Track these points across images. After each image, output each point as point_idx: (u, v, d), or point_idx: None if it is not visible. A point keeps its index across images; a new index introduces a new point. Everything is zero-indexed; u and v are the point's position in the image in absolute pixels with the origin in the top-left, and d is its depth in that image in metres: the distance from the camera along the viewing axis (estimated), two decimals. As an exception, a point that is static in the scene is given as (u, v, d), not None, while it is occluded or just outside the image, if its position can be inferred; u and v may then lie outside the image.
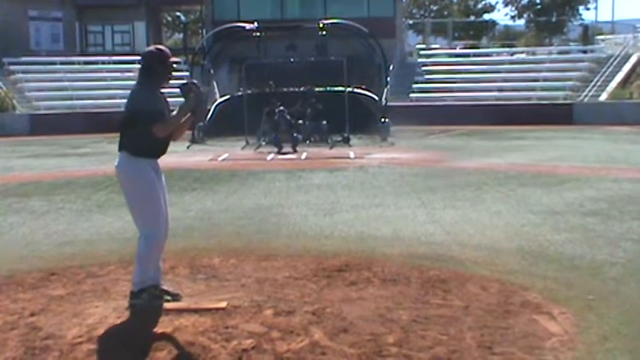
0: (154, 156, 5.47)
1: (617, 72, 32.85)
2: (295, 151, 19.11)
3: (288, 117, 20.43)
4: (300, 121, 21.46)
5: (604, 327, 4.89)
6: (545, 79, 33.70)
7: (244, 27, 26.61)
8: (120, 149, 5.49)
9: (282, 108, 20.74)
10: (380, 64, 25.96)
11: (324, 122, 21.95)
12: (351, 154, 18.36)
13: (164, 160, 5.60)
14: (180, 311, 5.22)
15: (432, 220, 9.03)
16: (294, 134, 19.72)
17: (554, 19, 55.78)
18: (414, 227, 8.61)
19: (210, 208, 10.16)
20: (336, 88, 23.99)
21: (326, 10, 35.05)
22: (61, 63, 35.75)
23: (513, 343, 4.57)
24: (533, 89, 33.05)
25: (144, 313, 5.18)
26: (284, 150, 19.23)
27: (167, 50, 5.54)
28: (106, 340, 4.70)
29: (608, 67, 32.99)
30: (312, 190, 11.96)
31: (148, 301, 5.33)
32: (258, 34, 27.12)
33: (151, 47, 5.62)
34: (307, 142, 21.19)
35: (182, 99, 5.35)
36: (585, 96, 31.85)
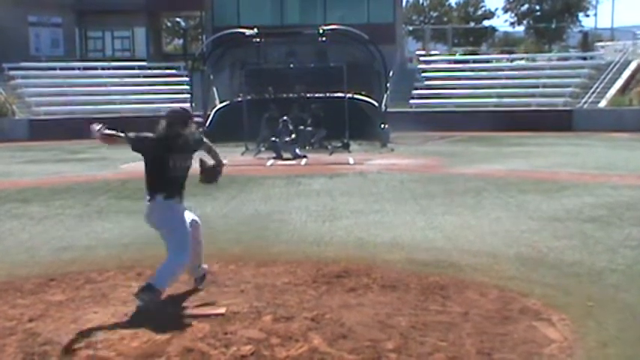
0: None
1: (617, 78, 32.86)
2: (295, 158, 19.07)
3: (291, 127, 20.43)
4: (301, 127, 21.44)
5: (603, 333, 4.89)
6: (544, 86, 33.71)
7: (244, 33, 26.62)
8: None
9: (285, 118, 20.76)
10: (379, 70, 25.97)
11: (323, 129, 21.95)
12: (351, 160, 18.36)
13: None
14: (179, 317, 5.21)
15: (431, 227, 9.03)
16: (296, 150, 19.56)
17: (553, 26, 55.87)
18: (413, 233, 8.60)
19: (210, 213, 10.15)
20: (335, 94, 23.99)
21: (326, 17, 35.11)
22: (61, 68, 35.75)
23: (512, 350, 4.57)
24: (532, 95, 33.06)
25: (142, 319, 5.17)
26: (285, 156, 19.19)
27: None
28: (104, 346, 4.70)
29: (608, 74, 33.00)
30: (312, 196, 11.95)
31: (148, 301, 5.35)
32: (258, 40, 27.12)
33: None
34: (307, 147, 21.18)
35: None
36: (585, 102, 31.85)
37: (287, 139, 20.00)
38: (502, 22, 71.50)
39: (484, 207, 10.54)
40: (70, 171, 17.14)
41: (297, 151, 19.50)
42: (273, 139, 20.06)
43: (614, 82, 32.62)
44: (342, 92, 23.30)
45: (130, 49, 41.04)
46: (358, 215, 9.97)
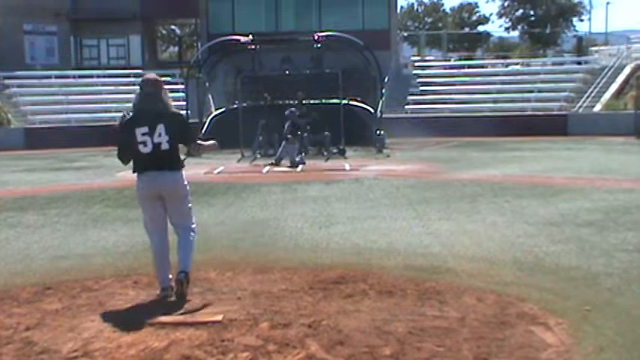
0: None
1: (611, 83, 32.97)
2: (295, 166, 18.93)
3: (298, 122, 20.32)
4: (298, 133, 21.42)
5: (600, 338, 4.89)
6: (539, 90, 33.81)
7: (239, 40, 26.67)
8: (172, 169, 6.01)
9: (293, 109, 20.73)
10: (375, 76, 26.02)
11: (327, 134, 21.90)
12: (347, 166, 18.37)
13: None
14: (176, 324, 5.21)
15: (427, 232, 9.03)
16: (295, 156, 19.45)
17: (548, 31, 56.06)
18: (409, 239, 8.61)
19: (206, 221, 10.15)
20: (331, 101, 24.02)
21: (321, 23, 35.16)
22: (56, 77, 35.76)
23: (510, 355, 4.57)
24: (527, 100, 33.14)
25: (139, 327, 5.17)
26: (283, 162, 19.04)
27: None
28: (101, 355, 4.69)
29: (602, 78, 33.11)
30: (308, 203, 11.95)
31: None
32: (253, 46, 27.17)
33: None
34: (305, 154, 21.15)
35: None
36: (580, 107, 31.96)
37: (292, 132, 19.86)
38: (497, 28, 71.56)
39: (480, 212, 10.56)
40: (66, 179, 17.13)
41: (297, 158, 19.43)
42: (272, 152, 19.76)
43: (608, 87, 32.74)
44: (337, 98, 23.32)
45: (125, 57, 41.03)
46: (354, 221, 9.97)
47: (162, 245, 6.10)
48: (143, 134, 5.83)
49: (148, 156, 5.86)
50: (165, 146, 5.84)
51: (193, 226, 6.24)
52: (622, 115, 30.18)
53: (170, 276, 6.03)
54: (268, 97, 25.16)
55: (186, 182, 6.09)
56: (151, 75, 6.37)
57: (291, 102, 24.41)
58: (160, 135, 5.83)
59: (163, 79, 6.26)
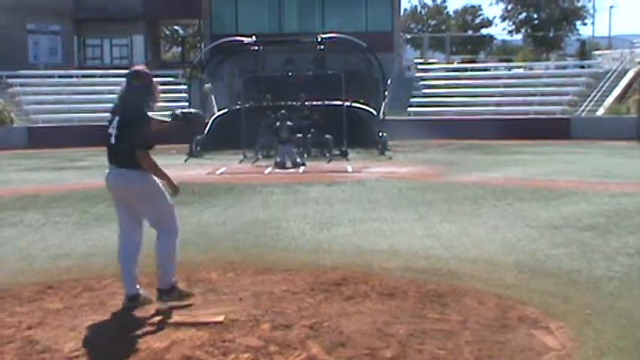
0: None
1: (615, 87, 32.94)
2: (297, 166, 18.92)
3: (290, 123, 20.32)
4: (299, 135, 21.41)
5: (601, 341, 4.89)
6: (542, 94, 33.75)
7: (242, 41, 26.69)
8: (126, 167, 5.65)
9: (284, 111, 20.74)
10: (378, 78, 26.00)
11: (328, 137, 21.86)
12: (349, 168, 18.36)
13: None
14: (177, 325, 5.22)
15: (429, 234, 9.03)
16: (296, 158, 19.43)
17: (551, 34, 56.05)
18: (411, 241, 8.60)
19: (208, 221, 10.16)
20: (333, 102, 24.02)
21: (324, 24, 35.21)
22: (59, 76, 35.78)
23: (511, 358, 4.57)
24: (530, 104, 33.09)
25: (140, 327, 5.17)
26: (287, 165, 18.97)
27: None
28: (102, 354, 4.70)
29: (606, 82, 33.07)
30: (310, 204, 11.95)
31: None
32: (256, 47, 27.20)
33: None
34: (306, 155, 21.15)
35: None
36: (583, 111, 31.91)
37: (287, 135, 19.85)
38: (500, 31, 71.63)
39: (482, 215, 10.55)
40: (69, 179, 17.14)
41: (298, 159, 19.42)
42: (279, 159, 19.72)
43: (611, 91, 32.70)
44: (340, 100, 23.32)
45: (128, 57, 41.01)
46: (356, 223, 9.97)
47: (126, 248, 5.94)
48: (109, 122, 5.72)
49: (109, 147, 5.73)
50: (112, 140, 5.63)
51: (174, 229, 5.87)
52: (625, 119, 30.16)
53: (138, 286, 5.84)
54: (270, 97, 25.17)
55: (148, 180, 5.67)
56: (140, 67, 6.11)
57: (294, 103, 24.45)
58: (113, 127, 5.64)
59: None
